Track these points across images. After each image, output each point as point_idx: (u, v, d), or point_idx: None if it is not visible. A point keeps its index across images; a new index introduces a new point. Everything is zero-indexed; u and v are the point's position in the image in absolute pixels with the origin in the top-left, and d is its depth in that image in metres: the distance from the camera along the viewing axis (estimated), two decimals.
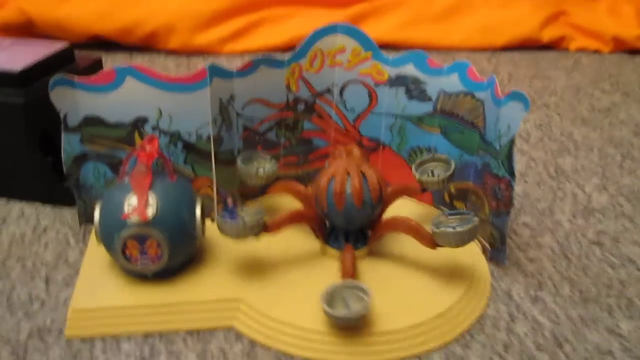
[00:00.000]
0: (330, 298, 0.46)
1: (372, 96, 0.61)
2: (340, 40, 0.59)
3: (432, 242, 0.50)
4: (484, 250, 0.56)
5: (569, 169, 0.72)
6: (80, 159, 0.55)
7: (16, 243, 0.57)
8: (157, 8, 1.01)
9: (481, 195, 0.56)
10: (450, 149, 0.59)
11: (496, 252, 0.55)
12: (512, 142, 0.50)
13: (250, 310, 0.48)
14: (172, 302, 0.48)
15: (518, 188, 0.68)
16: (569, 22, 1.11)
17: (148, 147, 0.49)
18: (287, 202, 0.57)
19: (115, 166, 0.56)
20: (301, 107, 0.61)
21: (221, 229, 0.49)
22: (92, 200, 0.57)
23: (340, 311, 0.45)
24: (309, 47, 0.58)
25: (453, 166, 0.55)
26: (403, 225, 0.52)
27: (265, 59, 0.56)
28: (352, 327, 0.46)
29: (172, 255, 0.49)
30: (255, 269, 0.52)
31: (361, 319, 0.46)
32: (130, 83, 0.52)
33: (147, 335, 0.47)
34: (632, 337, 0.48)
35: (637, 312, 0.50)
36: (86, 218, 0.58)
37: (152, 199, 0.48)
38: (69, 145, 0.54)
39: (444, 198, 0.61)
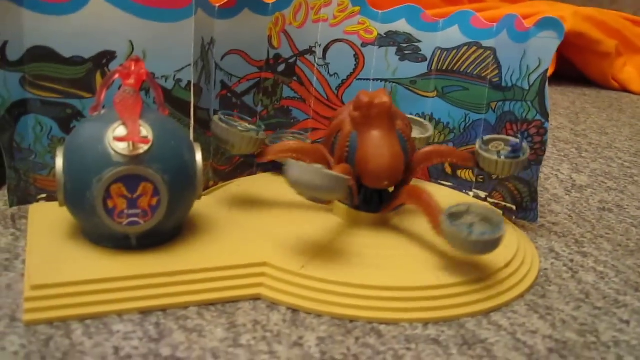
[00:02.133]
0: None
1: (358, 59, 0.54)
2: None
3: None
4: (506, 214, 0.49)
5: None
6: (18, 109, 0.41)
7: None
8: None
9: None
10: (452, 111, 0.53)
11: (525, 212, 0.49)
12: (544, 78, 0.46)
13: (282, 274, 0.37)
14: (174, 270, 0.36)
15: None
16: None
17: (133, 67, 0.37)
18: (257, 186, 0.48)
19: (65, 121, 0.43)
20: (281, 67, 0.52)
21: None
22: (29, 170, 0.43)
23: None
24: None
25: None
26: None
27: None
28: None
29: (171, 207, 0.36)
30: (265, 230, 0.41)
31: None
32: (97, 4, 0.40)
33: (144, 313, 0.34)
34: None
35: None
36: (20, 196, 0.43)
37: (145, 129, 0.36)
38: (5, 87, 0.40)
39: (445, 170, 0.54)
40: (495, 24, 0.50)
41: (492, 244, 0.37)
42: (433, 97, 0.54)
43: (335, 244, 0.40)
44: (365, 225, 0.44)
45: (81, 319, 0.33)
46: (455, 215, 0.38)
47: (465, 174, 0.53)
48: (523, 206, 0.49)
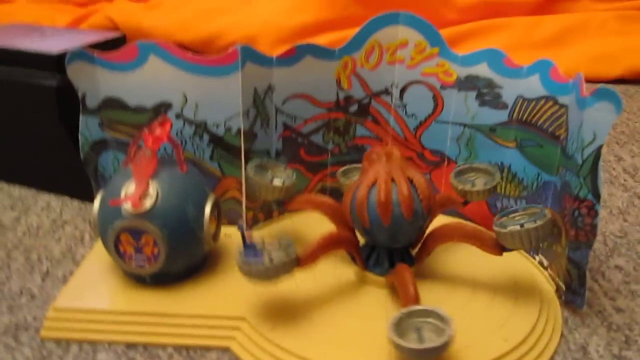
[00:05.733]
0: (398, 328, 0.36)
1: (437, 101, 0.52)
2: (402, 32, 0.51)
3: (497, 246, 0.42)
4: (558, 291, 0.45)
5: None
6: (99, 146, 0.50)
7: (30, 234, 0.53)
8: (239, 20, 0.98)
9: (559, 223, 0.45)
10: (527, 167, 0.49)
11: (572, 295, 0.44)
12: (597, 154, 0.40)
13: (252, 332, 0.40)
14: (162, 311, 0.41)
15: (615, 226, 0.56)
16: None
17: (158, 130, 0.43)
18: (311, 222, 0.48)
19: None
20: (353, 108, 0.53)
21: (244, 273, 0.39)
22: None
23: (416, 344, 0.35)
24: (365, 39, 0.50)
25: (497, 177, 0.46)
26: (460, 233, 0.43)
27: (311, 48, 0.49)
28: None
29: (170, 256, 0.41)
30: (270, 287, 0.44)
31: (440, 352, 0.35)
32: (153, 62, 0.46)
33: (129, 346, 0.40)
34: None
35: None
36: None
37: (153, 189, 0.41)
38: (87, 129, 0.48)
39: None
40: (572, 79, 0.44)
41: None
42: (513, 147, 0.50)
43: (323, 310, 0.41)
44: (374, 287, 0.44)
45: (81, 342, 0.40)
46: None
47: None
48: (572, 289, 0.44)
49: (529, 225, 0.39)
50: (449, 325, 0.36)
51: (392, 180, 0.42)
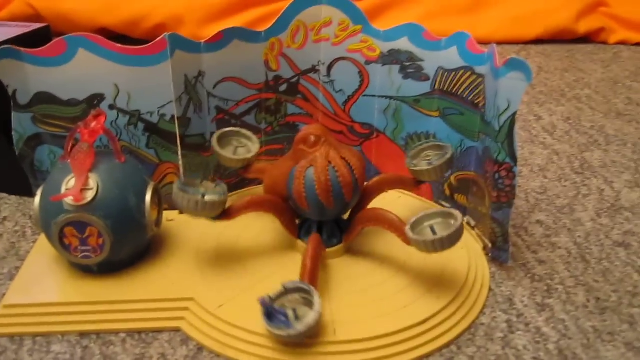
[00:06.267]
0: (416, 226, 0.42)
1: (363, 76, 0.54)
2: (325, 11, 0.52)
3: (416, 183, 0.49)
4: (485, 249, 0.49)
5: (596, 164, 0.63)
6: (34, 141, 0.50)
7: None
8: (163, 0, 0.97)
9: (482, 185, 0.49)
10: (451, 134, 0.52)
11: (498, 251, 0.48)
12: (512, 121, 0.43)
13: (200, 311, 0.42)
14: (111, 299, 0.42)
15: (535, 183, 0.60)
16: (608, 13, 1.01)
17: (93, 123, 0.43)
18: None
19: None
20: (283, 87, 0.54)
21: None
22: None
23: (429, 236, 0.40)
24: (289, 20, 0.52)
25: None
26: (387, 183, 0.49)
27: (238, 31, 0.50)
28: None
29: (115, 246, 0.43)
30: (215, 266, 0.46)
31: (451, 241, 0.40)
32: (82, 55, 0.47)
33: (83, 336, 0.41)
34: None
35: None
36: None
37: (93, 181, 0.42)
38: (20, 125, 0.48)
39: (444, 191, 0.54)
40: (486, 50, 0.47)
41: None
42: (437, 117, 0.53)
43: (270, 286, 0.43)
44: (330, 259, 0.47)
45: (34, 336, 0.41)
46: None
47: (460, 198, 0.52)
48: (497, 246, 0.47)
49: (439, 162, 0.47)
50: (454, 216, 0.40)
51: (343, 159, 0.44)
